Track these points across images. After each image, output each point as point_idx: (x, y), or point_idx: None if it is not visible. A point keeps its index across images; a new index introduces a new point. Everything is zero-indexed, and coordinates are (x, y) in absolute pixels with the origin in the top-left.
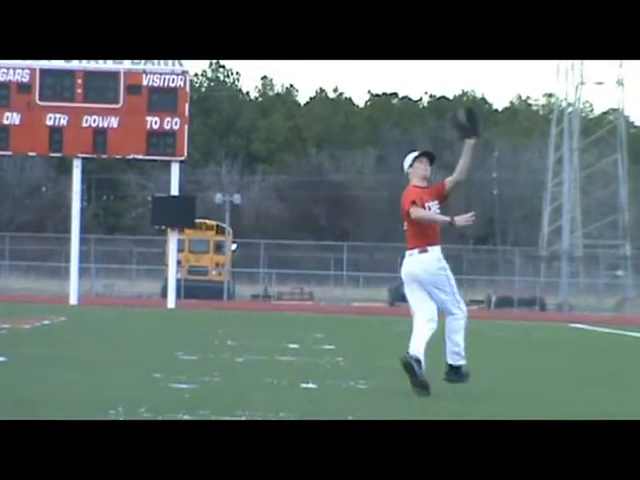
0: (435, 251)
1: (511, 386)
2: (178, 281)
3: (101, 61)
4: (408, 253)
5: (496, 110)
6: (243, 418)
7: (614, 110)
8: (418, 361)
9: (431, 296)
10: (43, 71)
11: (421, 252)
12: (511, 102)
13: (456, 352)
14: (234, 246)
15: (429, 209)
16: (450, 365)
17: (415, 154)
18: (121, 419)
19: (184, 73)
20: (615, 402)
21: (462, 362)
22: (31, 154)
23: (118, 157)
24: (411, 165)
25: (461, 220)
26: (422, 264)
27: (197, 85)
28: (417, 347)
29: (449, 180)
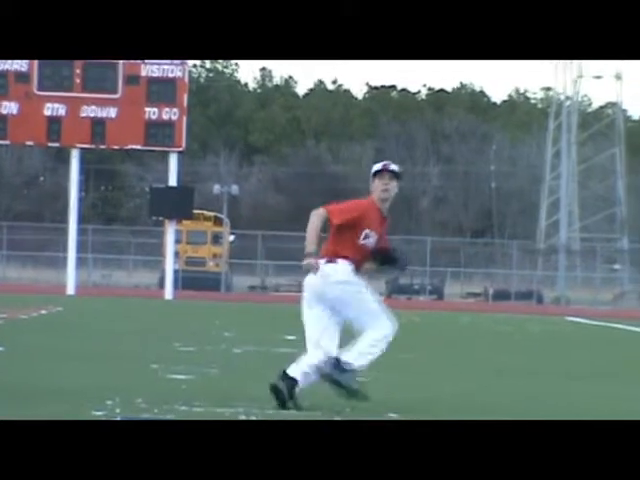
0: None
1: (507, 380)
2: (175, 272)
3: None
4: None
5: (494, 103)
6: (240, 409)
7: (612, 104)
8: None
9: (333, 313)
10: (42, 61)
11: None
12: (509, 95)
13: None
14: (232, 237)
15: (367, 237)
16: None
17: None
18: (117, 411)
19: (183, 64)
20: (613, 397)
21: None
22: (29, 144)
23: (116, 148)
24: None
25: (309, 262)
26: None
27: (196, 76)
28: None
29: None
